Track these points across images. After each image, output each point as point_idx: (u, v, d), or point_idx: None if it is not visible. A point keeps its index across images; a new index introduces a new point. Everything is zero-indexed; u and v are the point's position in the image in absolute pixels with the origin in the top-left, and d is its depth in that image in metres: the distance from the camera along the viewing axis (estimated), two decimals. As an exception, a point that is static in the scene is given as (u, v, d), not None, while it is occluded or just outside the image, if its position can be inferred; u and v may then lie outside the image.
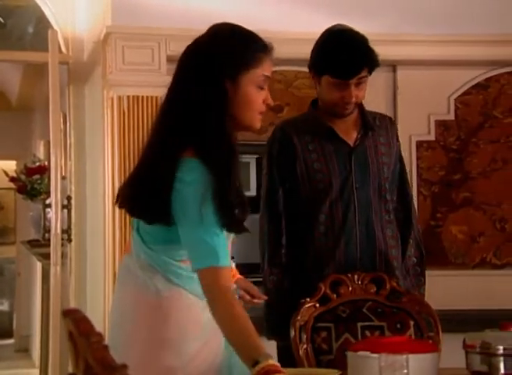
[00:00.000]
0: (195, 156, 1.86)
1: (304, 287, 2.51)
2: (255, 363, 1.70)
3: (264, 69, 1.94)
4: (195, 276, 1.88)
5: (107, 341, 1.33)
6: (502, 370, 1.89)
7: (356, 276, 2.46)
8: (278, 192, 2.64)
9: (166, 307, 1.95)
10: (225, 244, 1.87)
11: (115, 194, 2.02)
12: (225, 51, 1.90)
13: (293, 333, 2.32)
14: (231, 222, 1.86)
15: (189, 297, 1.96)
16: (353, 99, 2.53)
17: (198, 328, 1.96)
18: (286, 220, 2.64)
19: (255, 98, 1.94)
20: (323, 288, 2.41)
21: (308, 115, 2.69)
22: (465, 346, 1.98)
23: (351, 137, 2.62)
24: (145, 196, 1.90)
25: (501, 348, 1.90)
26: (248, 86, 1.92)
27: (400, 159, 2.73)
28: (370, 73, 2.56)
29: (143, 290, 1.96)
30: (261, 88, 1.94)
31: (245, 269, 5.32)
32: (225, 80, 1.89)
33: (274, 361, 1.71)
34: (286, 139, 2.62)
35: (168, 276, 1.95)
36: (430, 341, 2.33)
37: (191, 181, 1.84)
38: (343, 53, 2.50)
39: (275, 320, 2.61)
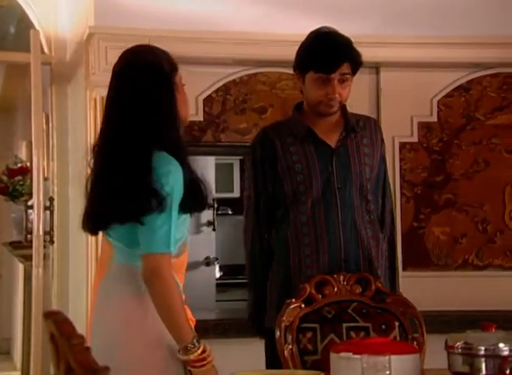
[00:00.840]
0: (163, 149, 2.02)
1: (288, 289, 2.52)
2: (191, 347, 1.95)
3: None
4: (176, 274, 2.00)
5: (90, 344, 1.32)
6: (483, 371, 1.90)
7: (341, 277, 2.46)
8: (261, 195, 2.65)
9: None
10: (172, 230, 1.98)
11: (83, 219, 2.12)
12: (168, 61, 2.13)
13: (278, 333, 2.31)
14: (200, 206, 2.09)
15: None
16: (337, 96, 2.55)
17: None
18: (269, 222, 2.65)
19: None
20: (308, 289, 2.41)
21: (290, 117, 2.71)
22: (447, 347, 1.98)
23: (333, 138, 2.63)
24: (135, 193, 1.99)
25: (483, 348, 1.91)
26: (180, 85, 2.13)
27: (384, 162, 2.74)
28: (353, 72, 2.59)
29: (134, 291, 1.99)
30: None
31: (230, 270, 5.31)
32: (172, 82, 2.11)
33: (207, 348, 1.97)
34: (267, 142, 2.65)
35: None
36: (414, 343, 2.34)
37: (166, 172, 1.99)
38: (325, 48, 2.55)
39: (261, 321, 2.63)
